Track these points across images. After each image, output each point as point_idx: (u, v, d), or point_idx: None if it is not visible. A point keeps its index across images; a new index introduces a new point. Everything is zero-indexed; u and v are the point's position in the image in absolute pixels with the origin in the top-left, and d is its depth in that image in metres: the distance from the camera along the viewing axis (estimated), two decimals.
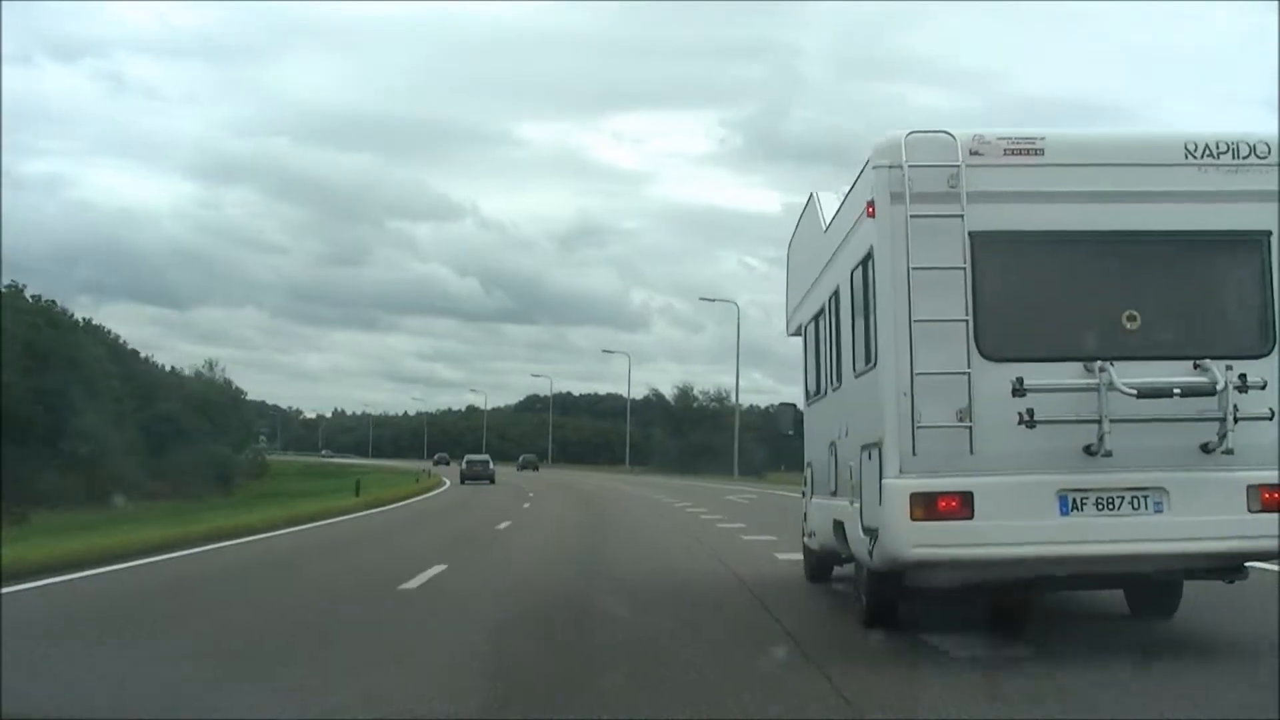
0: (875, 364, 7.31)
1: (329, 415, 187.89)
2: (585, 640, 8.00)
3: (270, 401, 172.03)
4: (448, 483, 56.16)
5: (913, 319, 6.85)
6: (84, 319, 63.45)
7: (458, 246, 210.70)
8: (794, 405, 12.05)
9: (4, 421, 40.29)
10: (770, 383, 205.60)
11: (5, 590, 9.81)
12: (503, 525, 22.13)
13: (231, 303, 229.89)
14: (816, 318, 10.06)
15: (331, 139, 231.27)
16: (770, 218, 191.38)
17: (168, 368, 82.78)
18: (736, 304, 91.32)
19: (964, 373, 6.81)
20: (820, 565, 10.80)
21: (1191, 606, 8.22)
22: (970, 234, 6.91)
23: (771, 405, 41.57)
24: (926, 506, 6.76)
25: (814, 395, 10.63)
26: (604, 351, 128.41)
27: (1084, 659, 6.64)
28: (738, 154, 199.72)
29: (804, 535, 11.21)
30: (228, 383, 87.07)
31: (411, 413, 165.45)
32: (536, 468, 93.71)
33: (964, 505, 6.77)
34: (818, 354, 10.12)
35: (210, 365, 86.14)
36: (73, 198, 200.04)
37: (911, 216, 6.91)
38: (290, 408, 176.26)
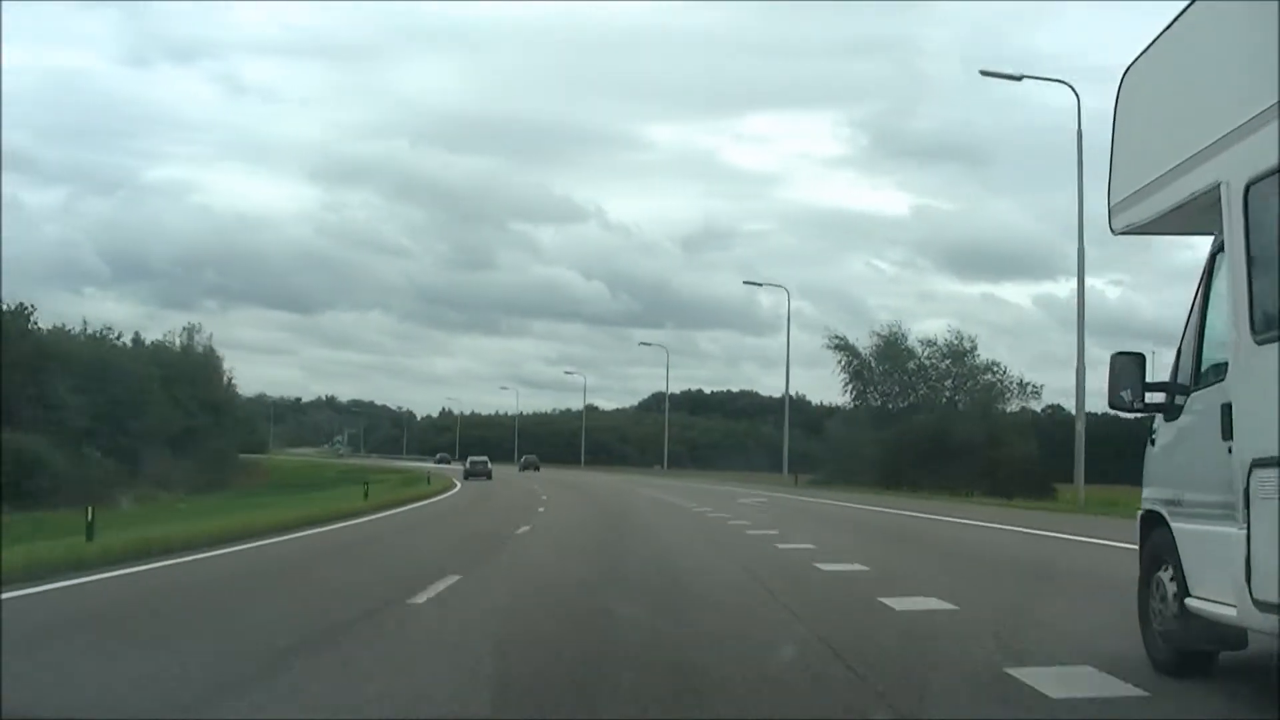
0: None
1: (434, 416, 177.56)
2: None
3: (396, 406, 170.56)
4: (459, 485, 48.44)
5: None
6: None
7: (582, 249, 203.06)
8: (1139, 356, 6.58)
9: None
10: (898, 388, 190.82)
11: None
12: None
13: (359, 307, 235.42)
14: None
15: (452, 141, 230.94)
16: (898, 220, 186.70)
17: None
18: (786, 288, 74.15)
19: None
20: (1195, 641, 5.88)
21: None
22: None
23: None
24: None
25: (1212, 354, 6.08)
26: (641, 344, 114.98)
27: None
28: (865, 155, 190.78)
29: (1154, 594, 6.23)
30: (210, 352, 64.83)
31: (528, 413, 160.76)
32: (538, 468, 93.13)
33: None
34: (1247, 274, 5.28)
35: (190, 333, 63.70)
36: (197, 203, 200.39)
37: None
38: (400, 408, 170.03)
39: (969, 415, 54.81)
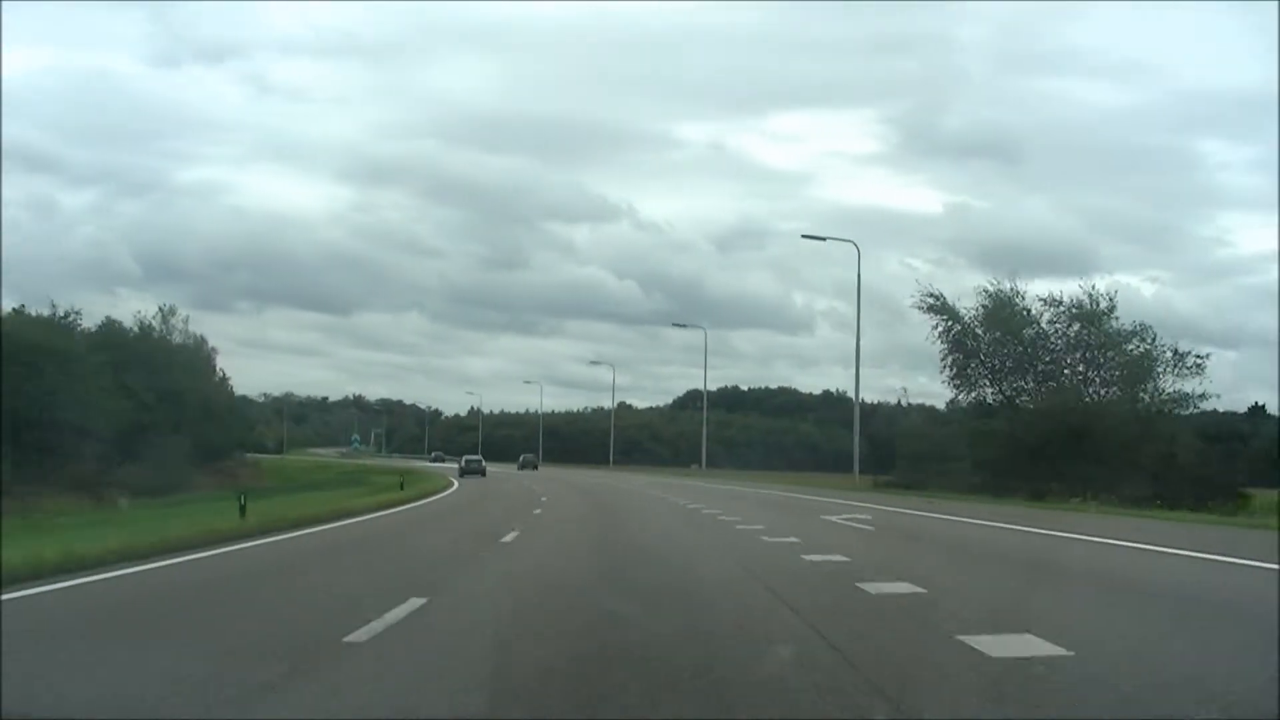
0: None
1: (463, 414, 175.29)
2: None
3: (426, 405, 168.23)
4: (456, 484, 46.16)
5: None
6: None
7: (615, 249, 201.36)
8: None
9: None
10: (938, 388, 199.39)
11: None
12: None
13: (393, 308, 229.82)
14: None
15: (483, 140, 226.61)
16: (932, 218, 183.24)
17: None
18: (856, 244, 55.19)
19: None
20: None
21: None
22: None
23: None
24: None
25: None
26: (674, 325, 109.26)
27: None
28: (897, 153, 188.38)
29: None
30: (199, 342, 57.35)
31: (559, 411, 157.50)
32: (535, 466, 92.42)
33: None
34: None
35: (165, 316, 56.11)
36: (229, 204, 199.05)
37: None
38: (429, 408, 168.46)
39: (1117, 402, 43.74)
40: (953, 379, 48.68)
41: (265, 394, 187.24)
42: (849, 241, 57.17)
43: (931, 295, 48.61)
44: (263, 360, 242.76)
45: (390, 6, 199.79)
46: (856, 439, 50.37)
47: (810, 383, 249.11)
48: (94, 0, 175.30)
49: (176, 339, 58.19)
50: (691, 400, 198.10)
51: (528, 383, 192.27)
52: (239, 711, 5.48)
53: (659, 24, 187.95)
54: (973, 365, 48.29)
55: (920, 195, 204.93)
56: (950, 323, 48.31)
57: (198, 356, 64.51)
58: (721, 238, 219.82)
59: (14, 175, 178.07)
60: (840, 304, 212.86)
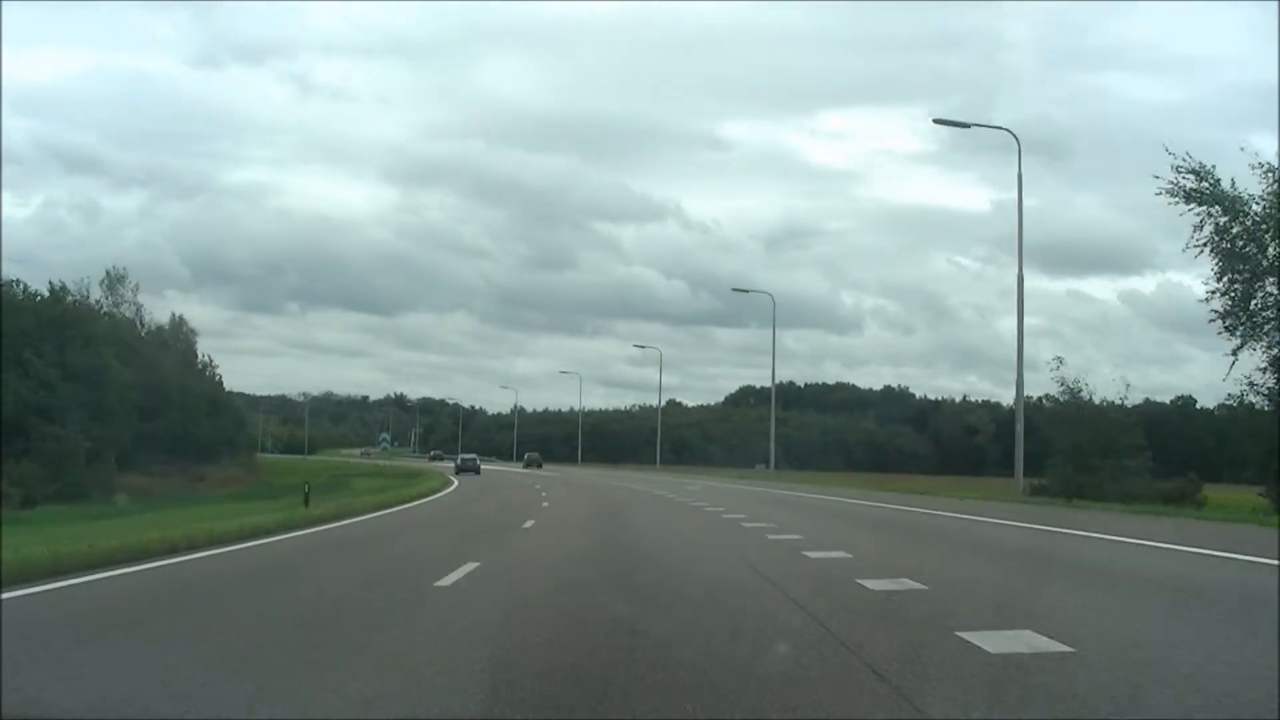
0: None
1: (505, 413, 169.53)
2: None
3: (469, 404, 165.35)
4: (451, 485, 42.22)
5: None
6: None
7: (662, 249, 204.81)
8: None
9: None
10: (988, 385, 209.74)
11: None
12: None
13: (439, 308, 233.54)
14: None
15: (528, 140, 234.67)
16: (979, 216, 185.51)
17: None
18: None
19: None
20: None
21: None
22: None
23: None
24: None
25: None
26: (735, 290, 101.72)
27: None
28: (945, 151, 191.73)
29: None
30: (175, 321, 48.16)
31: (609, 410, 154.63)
32: (540, 465, 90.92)
33: None
34: None
35: (112, 282, 46.54)
36: (276, 206, 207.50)
37: None
38: (473, 406, 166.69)
39: None
40: (1230, 315, 28.34)
41: (304, 394, 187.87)
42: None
43: (1194, 172, 28.79)
44: (310, 361, 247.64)
45: (433, 6, 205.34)
46: (1020, 436, 34.87)
47: (857, 383, 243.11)
48: (133, 1, 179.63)
49: (126, 312, 48.82)
50: (744, 397, 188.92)
51: (564, 373, 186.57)
52: None
53: (705, 23, 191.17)
54: (1260, 293, 28.28)
55: (969, 193, 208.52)
56: (1224, 218, 28.58)
57: (176, 340, 54.94)
58: (769, 237, 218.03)
59: (58, 177, 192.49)
60: (888, 303, 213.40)
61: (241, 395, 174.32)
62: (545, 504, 26.86)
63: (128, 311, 49.09)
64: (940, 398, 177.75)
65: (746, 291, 62.34)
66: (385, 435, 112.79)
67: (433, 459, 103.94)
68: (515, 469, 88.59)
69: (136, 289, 51.35)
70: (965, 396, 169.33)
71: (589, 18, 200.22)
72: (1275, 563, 11.11)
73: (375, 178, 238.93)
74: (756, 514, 21.55)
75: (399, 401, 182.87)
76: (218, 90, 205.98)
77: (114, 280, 49.35)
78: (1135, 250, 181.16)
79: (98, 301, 47.43)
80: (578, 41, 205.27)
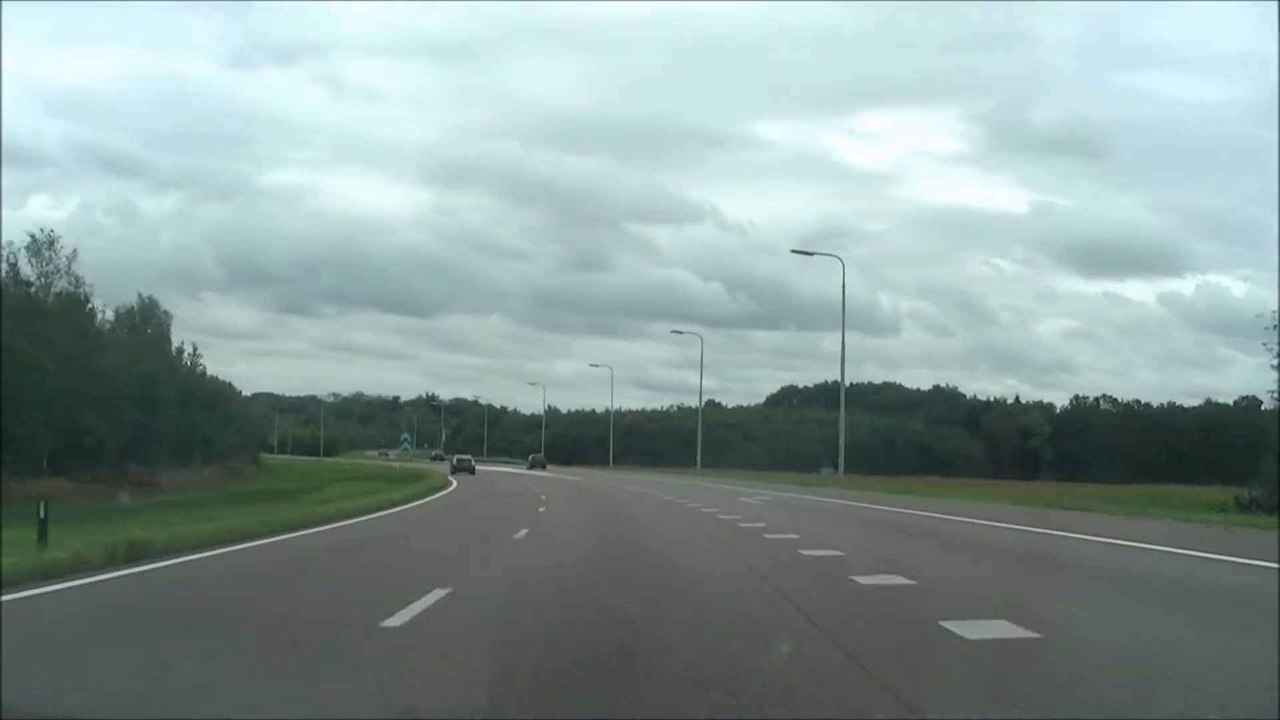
0: None
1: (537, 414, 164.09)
2: None
3: (502, 405, 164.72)
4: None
5: None
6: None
7: (699, 250, 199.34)
8: None
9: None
10: (1027, 388, 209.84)
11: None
12: None
13: (476, 310, 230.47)
14: None
15: (563, 141, 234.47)
16: (1017, 218, 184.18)
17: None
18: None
19: None
20: None
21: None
22: None
23: None
24: None
25: None
26: (794, 252, 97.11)
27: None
28: (982, 152, 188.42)
29: None
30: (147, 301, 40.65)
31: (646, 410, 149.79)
32: (544, 466, 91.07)
33: None
34: None
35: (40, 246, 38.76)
36: (312, 208, 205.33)
37: None
38: (508, 407, 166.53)
39: None
40: None
41: (335, 394, 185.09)
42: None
43: None
44: (348, 364, 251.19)
45: (466, 6, 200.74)
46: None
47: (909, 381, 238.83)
48: (165, 1, 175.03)
49: (61, 285, 40.99)
50: (786, 397, 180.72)
51: (594, 366, 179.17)
52: None
53: (740, 23, 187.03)
54: None
55: (1006, 194, 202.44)
56: None
57: (148, 324, 47.26)
58: (806, 239, 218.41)
59: (94, 179, 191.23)
60: (925, 305, 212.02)
61: (269, 395, 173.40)
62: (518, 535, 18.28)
63: (65, 285, 41.43)
64: (991, 398, 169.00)
65: (810, 254, 54.04)
66: (406, 436, 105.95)
67: (434, 459, 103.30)
68: (533, 471, 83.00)
69: (73, 257, 43.37)
70: (1018, 397, 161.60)
71: (623, 17, 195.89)
72: None
73: (411, 179, 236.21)
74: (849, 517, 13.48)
75: (430, 402, 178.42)
76: (253, 92, 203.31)
77: (40, 246, 41.55)
78: (1174, 251, 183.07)
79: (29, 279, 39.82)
80: (612, 41, 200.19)
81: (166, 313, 50.94)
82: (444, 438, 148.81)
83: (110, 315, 45.73)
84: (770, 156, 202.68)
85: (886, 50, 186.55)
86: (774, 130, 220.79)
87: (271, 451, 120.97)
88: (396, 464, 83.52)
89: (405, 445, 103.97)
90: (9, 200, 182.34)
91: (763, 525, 18.52)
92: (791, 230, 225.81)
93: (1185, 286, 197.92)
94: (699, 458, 77.72)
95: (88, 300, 41.42)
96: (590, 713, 5.18)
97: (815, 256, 54.53)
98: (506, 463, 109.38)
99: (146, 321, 48.82)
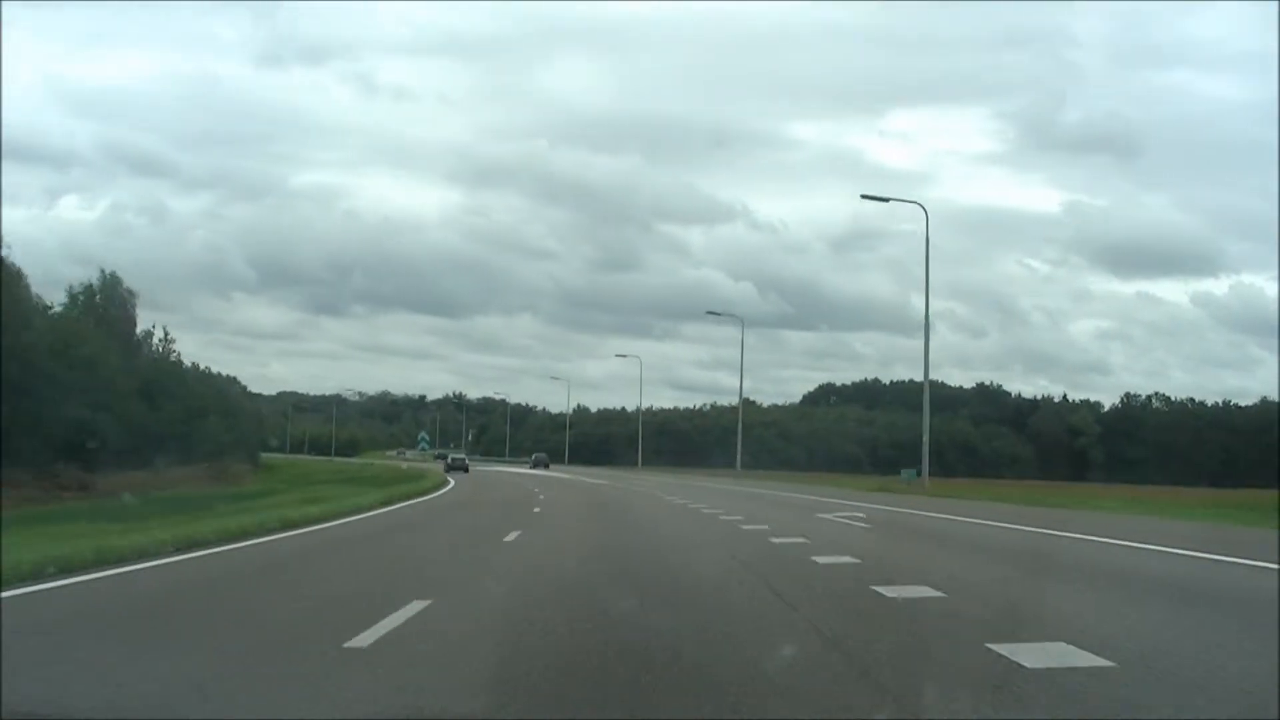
0: None
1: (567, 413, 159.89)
2: None
3: (533, 404, 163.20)
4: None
5: None
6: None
7: (730, 250, 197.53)
8: None
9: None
10: (1059, 388, 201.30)
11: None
12: None
13: (507, 310, 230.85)
14: None
15: (592, 141, 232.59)
16: (1049, 217, 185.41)
17: None
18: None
19: None
20: None
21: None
22: None
23: None
24: None
25: None
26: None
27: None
28: (1015, 151, 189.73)
29: None
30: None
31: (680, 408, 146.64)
32: (547, 465, 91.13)
33: None
34: None
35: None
36: (343, 208, 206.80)
37: None
38: (539, 408, 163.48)
39: None
40: None
41: (360, 393, 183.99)
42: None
43: None
44: (379, 364, 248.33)
45: (493, 6, 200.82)
46: None
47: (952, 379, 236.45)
48: (193, 1, 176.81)
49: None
50: (824, 395, 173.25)
51: (621, 356, 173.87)
52: None
53: (770, 22, 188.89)
54: None
55: (1038, 194, 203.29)
56: None
57: (110, 306, 40.46)
58: (836, 238, 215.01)
59: (123, 179, 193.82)
60: (957, 305, 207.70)
61: (293, 394, 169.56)
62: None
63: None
64: (1039, 396, 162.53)
65: (885, 200, 47.27)
66: (424, 435, 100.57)
67: (438, 459, 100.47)
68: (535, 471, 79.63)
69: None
70: (1064, 395, 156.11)
71: (653, 17, 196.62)
72: None
73: (441, 179, 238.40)
74: None
75: (458, 401, 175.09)
76: (282, 92, 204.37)
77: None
78: (1207, 251, 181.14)
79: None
80: (641, 40, 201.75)
81: (131, 291, 44.78)
82: (469, 437, 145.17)
83: (63, 295, 40.49)
84: (801, 156, 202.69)
85: (917, 49, 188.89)
86: (805, 130, 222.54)
87: (283, 451, 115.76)
88: (405, 464, 78.53)
89: (424, 445, 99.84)
90: (40, 201, 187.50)
91: (942, 595, 10.92)
92: (823, 229, 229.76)
93: (1219, 286, 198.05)
94: (739, 458, 70.22)
95: (20, 275, 35.24)
96: None
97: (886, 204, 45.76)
98: (525, 463, 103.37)
99: (109, 301, 42.34)
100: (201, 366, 75.40)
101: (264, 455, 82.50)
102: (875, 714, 5.01)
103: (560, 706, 5.31)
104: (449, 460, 74.70)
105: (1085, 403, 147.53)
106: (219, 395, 66.99)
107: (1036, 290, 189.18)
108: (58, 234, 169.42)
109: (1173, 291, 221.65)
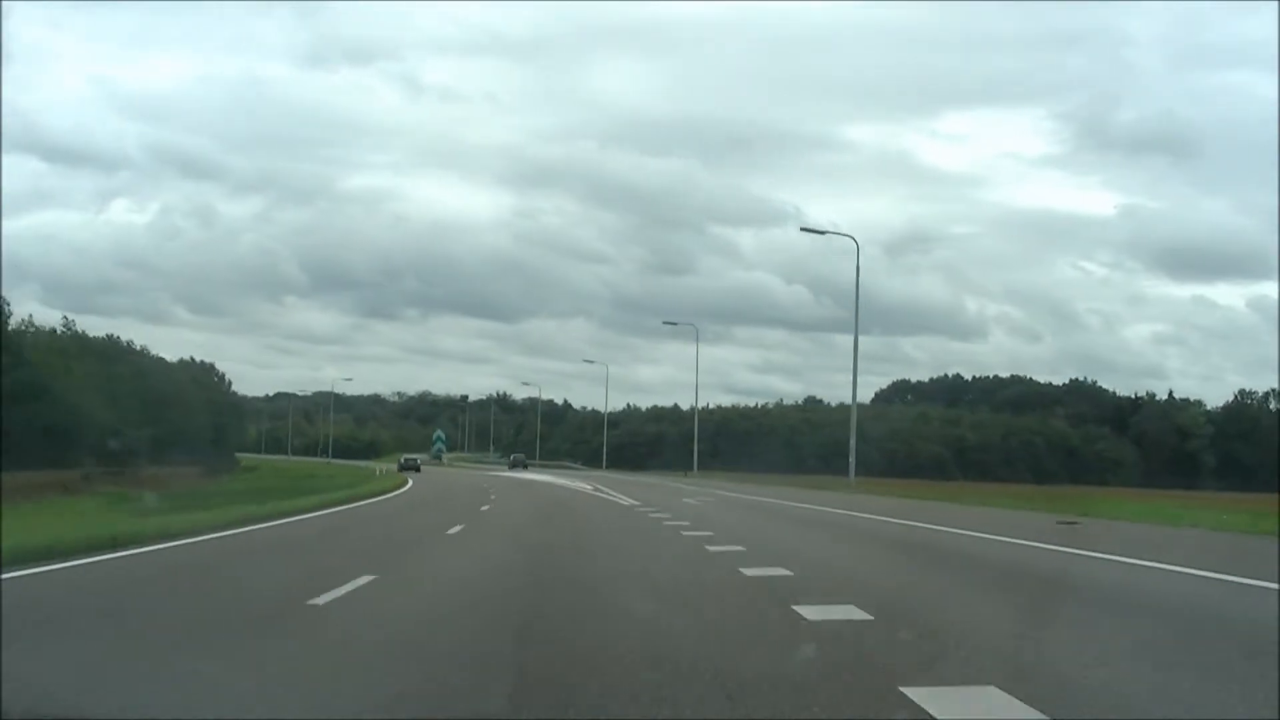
0: None
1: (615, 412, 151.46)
2: None
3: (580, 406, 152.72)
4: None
5: None
6: None
7: (782, 253, 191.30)
8: None
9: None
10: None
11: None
12: None
13: (560, 314, 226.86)
14: None
15: (643, 143, 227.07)
16: (1105, 220, 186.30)
17: None
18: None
19: None
20: None
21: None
22: None
23: None
24: None
25: None
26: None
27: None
28: (1069, 152, 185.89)
29: None
30: None
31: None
32: (526, 466, 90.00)
33: None
34: None
35: None
36: (393, 210, 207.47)
37: None
38: (584, 407, 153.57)
39: None
40: None
41: (399, 393, 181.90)
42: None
43: None
44: (432, 368, 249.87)
45: (541, 6, 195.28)
46: None
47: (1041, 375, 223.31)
48: (237, 1, 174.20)
49: None
50: (898, 392, 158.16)
51: (669, 323, 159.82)
52: None
53: (823, 22, 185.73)
54: None
55: (1094, 197, 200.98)
56: None
57: None
58: (890, 242, 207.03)
59: (172, 182, 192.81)
60: (1012, 309, 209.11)
61: (324, 393, 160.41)
62: None
63: None
64: (1141, 394, 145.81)
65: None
66: (440, 435, 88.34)
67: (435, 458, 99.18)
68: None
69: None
70: (1170, 393, 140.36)
71: (704, 18, 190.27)
72: None
73: (491, 181, 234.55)
74: None
75: (501, 402, 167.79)
76: (329, 94, 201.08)
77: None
78: (1265, 254, 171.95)
79: None
80: (692, 41, 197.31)
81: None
82: (512, 436, 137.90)
83: None
84: (854, 158, 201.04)
85: (970, 50, 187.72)
86: (857, 132, 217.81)
87: (284, 452, 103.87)
88: (380, 469, 66.18)
89: (440, 447, 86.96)
90: (92, 204, 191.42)
91: None
92: (876, 232, 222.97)
93: (1276, 290, 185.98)
94: (852, 467, 47.80)
95: None
96: None
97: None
98: (555, 468, 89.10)
99: None
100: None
101: (240, 455, 72.27)
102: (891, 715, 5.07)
103: (472, 641, 7.04)
104: (401, 461, 74.48)
105: (1194, 401, 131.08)
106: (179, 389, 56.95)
107: (1092, 293, 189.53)
108: (107, 238, 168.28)
109: (1229, 295, 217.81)
